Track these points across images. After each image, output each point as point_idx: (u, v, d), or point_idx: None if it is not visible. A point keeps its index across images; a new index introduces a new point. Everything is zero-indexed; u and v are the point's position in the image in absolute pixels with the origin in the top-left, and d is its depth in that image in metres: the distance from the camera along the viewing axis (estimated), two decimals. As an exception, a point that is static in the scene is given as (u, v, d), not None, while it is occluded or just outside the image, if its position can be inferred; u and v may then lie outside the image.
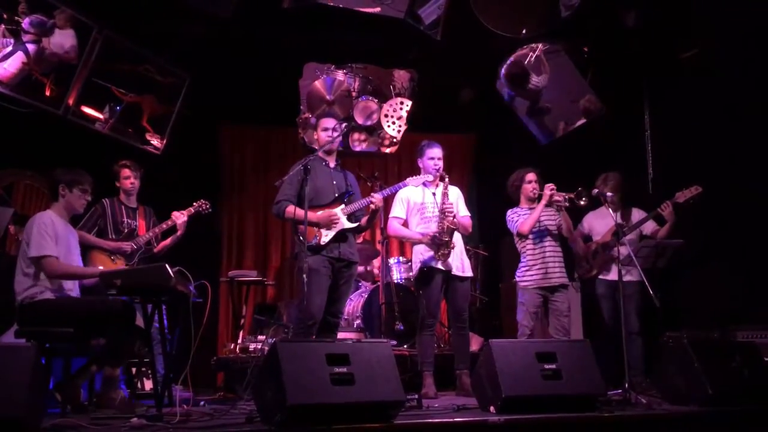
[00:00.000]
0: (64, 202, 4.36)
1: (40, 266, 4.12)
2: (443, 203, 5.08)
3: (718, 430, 3.79)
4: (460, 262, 5.16)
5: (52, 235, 4.16)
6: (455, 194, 5.27)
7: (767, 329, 5.19)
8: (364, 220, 4.92)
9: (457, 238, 5.18)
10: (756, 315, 5.40)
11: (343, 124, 5.28)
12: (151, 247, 5.29)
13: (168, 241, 5.34)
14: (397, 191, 5.12)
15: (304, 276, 4.32)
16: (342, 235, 4.78)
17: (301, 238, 4.70)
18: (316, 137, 5.07)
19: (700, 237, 5.75)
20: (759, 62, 5.65)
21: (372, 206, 4.80)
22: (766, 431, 3.83)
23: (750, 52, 5.75)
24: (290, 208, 4.73)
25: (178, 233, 5.30)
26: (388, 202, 5.40)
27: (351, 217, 4.82)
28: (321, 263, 4.62)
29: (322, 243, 4.66)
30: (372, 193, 4.88)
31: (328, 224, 4.71)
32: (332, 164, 4.95)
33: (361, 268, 7.27)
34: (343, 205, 4.81)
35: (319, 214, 4.67)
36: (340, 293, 4.82)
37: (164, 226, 5.29)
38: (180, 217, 5.28)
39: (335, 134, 4.89)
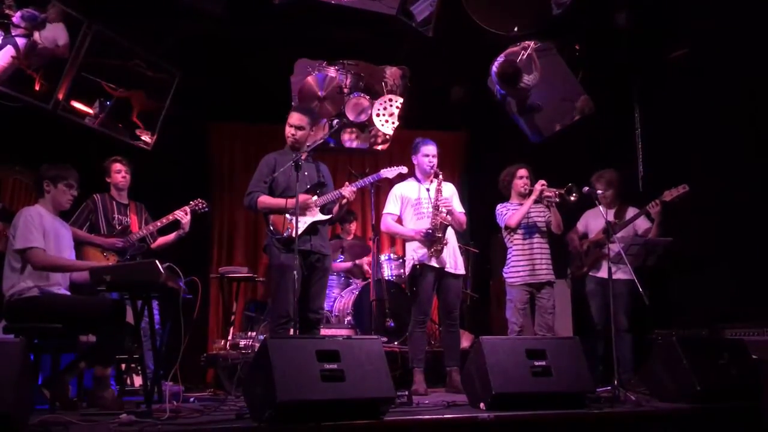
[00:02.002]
0: (50, 198, 4.33)
1: (25, 258, 4.09)
2: (437, 199, 5.09)
3: (706, 427, 3.81)
4: (453, 259, 5.17)
5: (39, 228, 4.14)
6: (449, 191, 5.29)
7: (755, 327, 5.22)
8: (335, 209, 4.84)
9: (451, 235, 5.19)
10: (744, 313, 5.42)
11: (335, 121, 5.26)
12: (145, 244, 5.26)
13: (169, 237, 5.30)
14: (370, 183, 5.08)
15: (295, 273, 4.30)
16: (313, 228, 4.71)
17: (272, 228, 4.67)
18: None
19: (689, 235, 5.77)
20: (747, 61, 5.68)
21: (343, 200, 4.74)
22: (753, 428, 3.86)
23: (738, 51, 5.78)
24: (262, 198, 4.71)
25: (184, 231, 5.24)
26: (381, 197, 5.38)
27: (323, 209, 4.77)
28: (292, 259, 4.44)
29: (294, 235, 4.51)
30: (345, 185, 4.81)
31: (304, 210, 4.62)
32: (303, 156, 4.82)
33: (350, 264, 7.27)
34: (315, 197, 4.76)
35: (292, 202, 4.52)
36: (317, 288, 4.75)
37: (164, 220, 5.25)
38: (184, 216, 5.23)
39: (300, 132, 4.82)
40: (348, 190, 4.71)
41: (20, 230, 4.10)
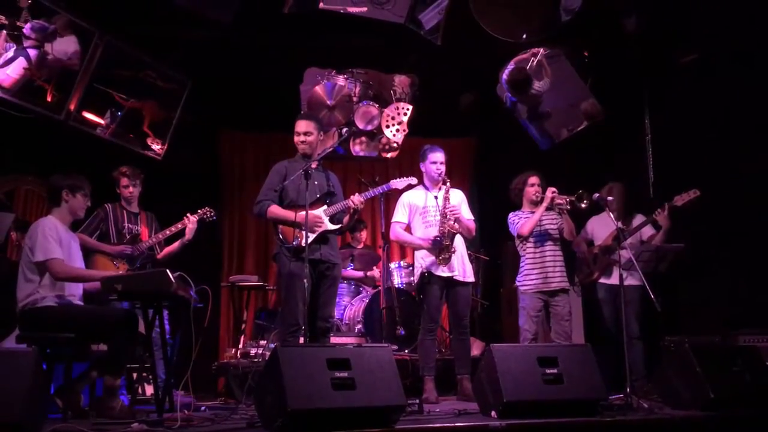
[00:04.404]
0: (68, 207, 4.35)
1: (46, 269, 4.10)
2: (444, 207, 5.08)
3: (719, 434, 3.78)
4: (461, 267, 5.15)
5: (57, 239, 4.16)
6: (458, 198, 5.27)
7: (769, 333, 5.20)
8: (345, 219, 4.83)
9: (459, 242, 5.17)
10: (757, 319, 5.39)
11: (344, 129, 5.26)
12: (154, 252, 5.28)
13: (173, 246, 5.31)
14: (379, 193, 5.08)
15: (305, 282, 4.30)
16: (323, 237, 4.70)
17: (281, 237, 4.67)
18: None
19: (701, 241, 5.74)
20: (758, 66, 5.66)
21: (351, 210, 4.73)
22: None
23: (749, 56, 5.76)
24: (272, 208, 4.70)
25: (187, 238, 5.23)
26: (391, 206, 5.37)
27: (333, 219, 4.76)
28: (302, 268, 4.41)
29: (303, 244, 4.48)
30: (354, 195, 4.78)
31: (311, 226, 4.58)
32: (314, 165, 4.78)
33: (361, 273, 7.28)
34: (325, 206, 4.75)
35: (302, 214, 4.48)
36: (327, 297, 4.73)
37: (173, 229, 5.26)
38: (190, 224, 5.24)
39: (309, 138, 4.81)
40: (356, 200, 4.71)
41: (40, 242, 4.12)
